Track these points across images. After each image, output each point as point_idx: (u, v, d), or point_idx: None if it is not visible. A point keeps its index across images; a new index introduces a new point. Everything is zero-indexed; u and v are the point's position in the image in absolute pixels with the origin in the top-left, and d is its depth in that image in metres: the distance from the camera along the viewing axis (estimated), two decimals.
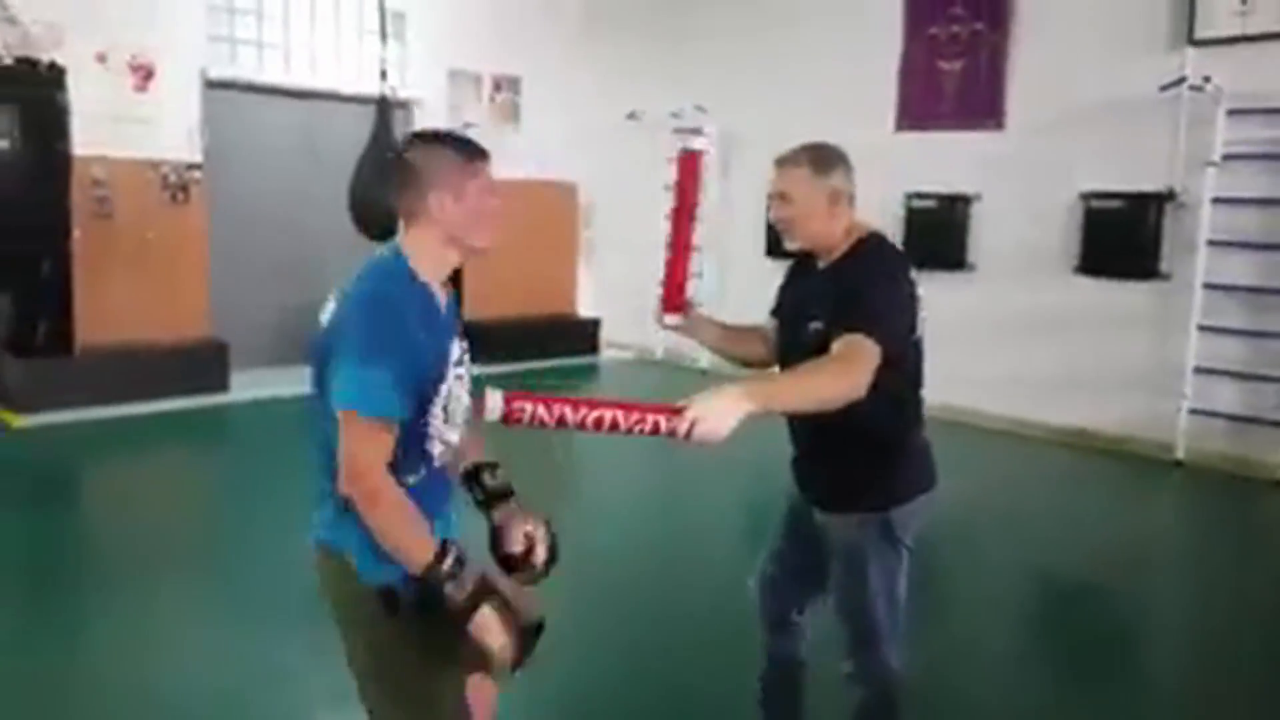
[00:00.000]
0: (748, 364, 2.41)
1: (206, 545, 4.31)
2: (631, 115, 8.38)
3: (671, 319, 2.28)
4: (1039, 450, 6.05)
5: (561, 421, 1.69)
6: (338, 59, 7.58)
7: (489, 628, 1.65)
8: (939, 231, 6.65)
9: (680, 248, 2.27)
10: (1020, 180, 6.35)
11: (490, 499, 1.92)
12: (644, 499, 5.23)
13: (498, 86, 8.42)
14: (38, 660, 3.07)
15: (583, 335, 8.65)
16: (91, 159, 5.89)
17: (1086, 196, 5.97)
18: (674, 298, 2.27)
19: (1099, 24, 5.96)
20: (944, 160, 6.66)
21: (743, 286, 8.03)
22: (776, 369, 2.28)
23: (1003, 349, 6.37)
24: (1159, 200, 5.72)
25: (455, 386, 1.82)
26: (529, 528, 1.89)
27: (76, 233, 5.76)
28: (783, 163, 2.17)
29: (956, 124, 6.61)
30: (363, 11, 7.54)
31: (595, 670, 3.10)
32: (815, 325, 2.06)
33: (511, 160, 8.33)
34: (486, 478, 1.92)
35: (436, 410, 1.77)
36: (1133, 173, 5.79)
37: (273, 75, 7.28)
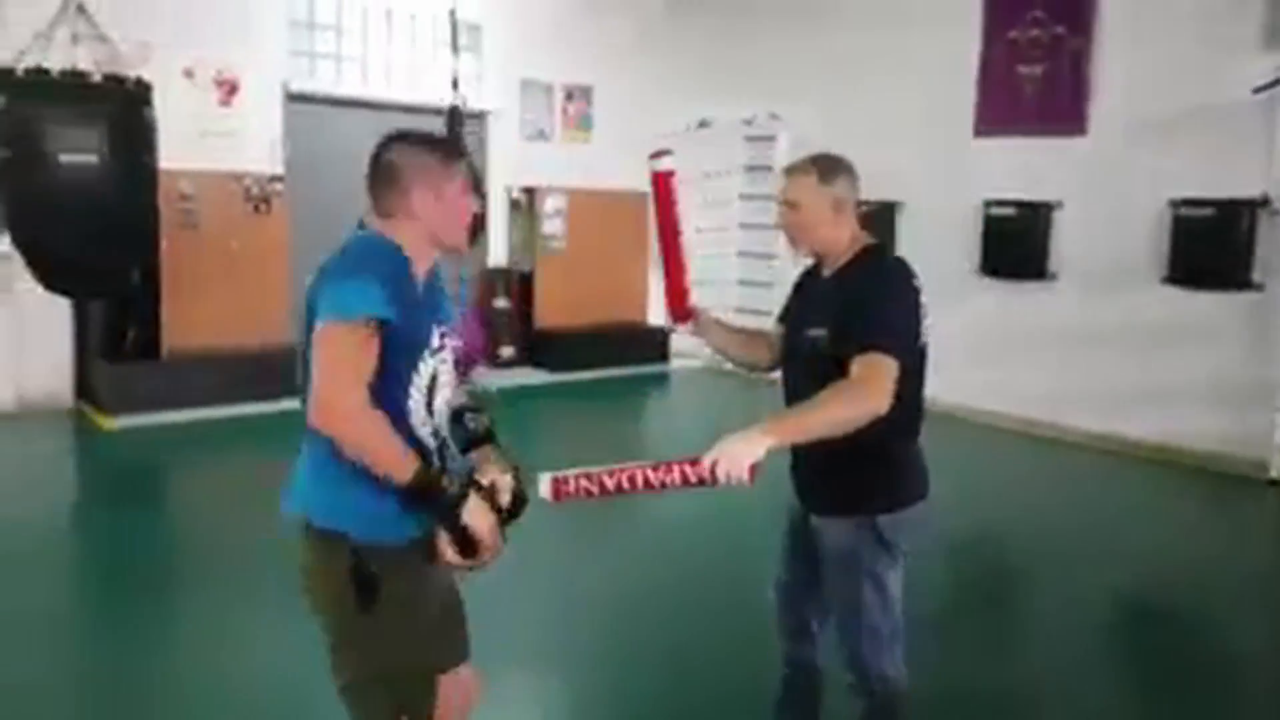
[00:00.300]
0: (753, 368, 2.51)
1: (285, 544, 4.40)
2: (703, 123, 8.36)
3: (681, 327, 2.42)
4: (1120, 466, 5.84)
5: (604, 489, 1.82)
6: (413, 71, 7.72)
7: (477, 511, 1.72)
8: (1019, 240, 6.49)
9: (672, 261, 2.38)
10: (1104, 187, 6.16)
11: (471, 442, 1.94)
12: (684, 507, 5.19)
13: (569, 96, 8.49)
14: (125, 653, 3.17)
15: (652, 344, 8.64)
16: (178, 172, 6.08)
17: (1175, 204, 5.75)
18: (678, 307, 2.40)
19: (1188, 25, 5.75)
20: (1024, 167, 6.49)
21: None
22: (780, 374, 2.37)
23: (1083, 361, 6.17)
24: (1252, 207, 5.48)
25: (440, 374, 1.83)
26: (496, 475, 1.86)
27: (164, 243, 5.95)
28: (791, 171, 2.26)
29: (1037, 129, 6.44)
30: (437, 25, 7.67)
31: (641, 674, 3.09)
32: (814, 332, 2.14)
33: (582, 169, 8.43)
34: (467, 420, 1.95)
35: (415, 393, 1.78)
36: (1224, 179, 5.56)
37: (350, 88, 7.45)
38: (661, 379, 8.32)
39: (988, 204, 6.62)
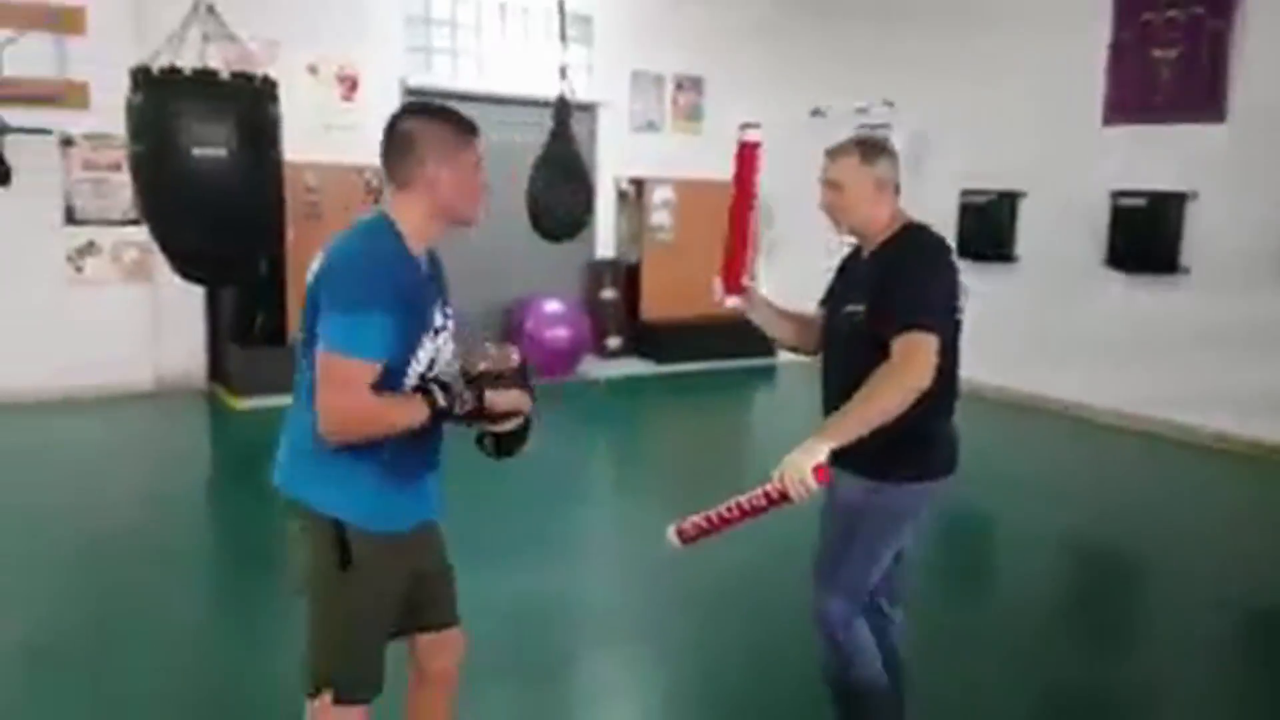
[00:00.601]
0: (797, 350, 2.54)
1: None
2: (815, 112, 8.24)
3: (731, 300, 2.45)
4: (1248, 468, 5.53)
5: (712, 524, 2.01)
6: (526, 64, 7.82)
7: (498, 402, 1.87)
8: (1148, 232, 6.19)
9: (739, 235, 2.42)
10: (1242, 177, 5.81)
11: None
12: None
13: (680, 86, 8.47)
14: (255, 613, 3.33)
15: (761, 337, 8.49)
16: (303, 165, 6.32)
17: None
18: (734, 281, 2.44)
19: None
20: (1156, 156, 6.18)
21: None
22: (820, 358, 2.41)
23: (1216, 359, 5.84)
24: None
25: (441, 355, 1.88)
26: (484, 357, 1.93)
27: (290, 233, 6.19)
28: (834, 153, 2.29)
29: (1171, 116, 6.12)
30: (550, 19, 7.74)
31: (728, 669, 3.09)
32: (851, 308, 2.20)
33: (691, 160, 8.39)
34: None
35: (411, 376, 1.82)
36: None
37: (465, 82, 7.59)
38: (768, 372, 8.23)
39: (1115, 194, 6.32)
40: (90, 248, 6.41)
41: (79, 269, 6.39)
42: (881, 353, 2.04)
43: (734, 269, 2.43)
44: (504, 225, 7.26)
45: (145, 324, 6.58)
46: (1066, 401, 6.65)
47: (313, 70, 6.76)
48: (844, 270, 2.40)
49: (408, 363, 1.80)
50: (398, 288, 1.75)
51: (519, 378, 1.93)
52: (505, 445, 1.98)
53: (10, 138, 5.94)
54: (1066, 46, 6.61)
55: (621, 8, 8.09)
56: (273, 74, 4.83)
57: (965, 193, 7.25)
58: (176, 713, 2.79)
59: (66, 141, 6.20)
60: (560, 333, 7.42)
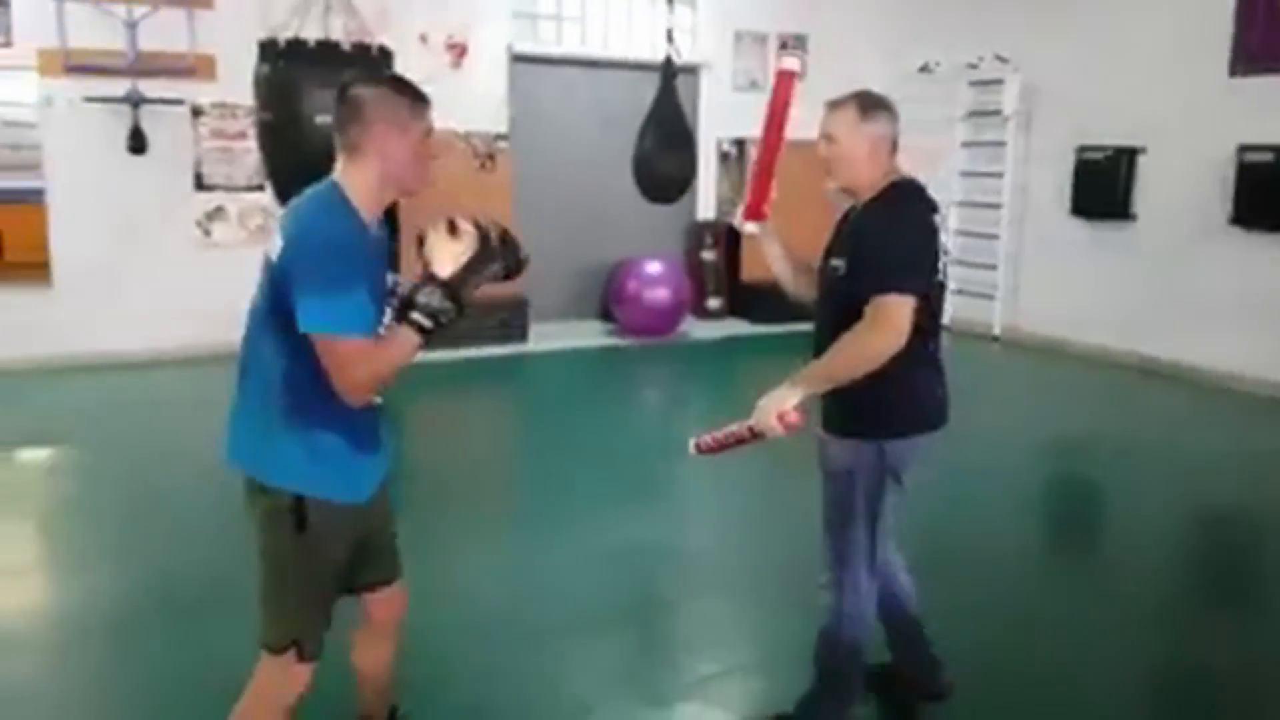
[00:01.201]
0: (796, 297, 2.56)
1: (507, 473, 4.88)
2: (924, 68, 8.05)
3: (751, 226, 2.51)
4: None
5: (719, 442, 2.23)
6: (630, 28, 7.86)
7: (474, 293, 1.88)
8: (1278, 189, 5.90)
9: (766, 164, 2.48)
10: None
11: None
12: None
13: (783, 45, 8.37)
14: None
15: None
16: None
17: None
18: (757, 207, 2.50)
19: None
20: None
21: (1043, 245, 7.55)
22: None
23: None
24: None
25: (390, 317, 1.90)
26: (434, 239, 1.90)
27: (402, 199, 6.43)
28: (833, 106, 2.31)
29: None
30: None
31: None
32: (835, 262, 2.25)
33: (795, 119, 8.26)
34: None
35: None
36: None
37: (570, 47, 7.68)
38: None
39: (1241, 149, 6.03)
40: (218, 213, 6.76)
41: (207, 233, 6.75)
42: (857, 312, 2.09)
43: (758, 196, 2.49)
44: (607, 186, 7.38)
45: None
46: (1186, 365, 6.43)
47: (423, 39, 6.93)
48: (841, 223, 2.40)
49: (378, 325, 1.87)
50: (365, 263, 1.82)
51: (483, 249, 1.90)
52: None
53: (145, 108, 6.29)
54: None
55: None
56: (386, 43, 5.00)
57: (1081, 149, 7.02)
58: None
59: (196, 111, 6.54)
60: (661, 293, 7.50)
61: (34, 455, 5.02)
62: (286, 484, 1.87)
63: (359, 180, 1.85)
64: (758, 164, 2.52)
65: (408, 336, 1.81)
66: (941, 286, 2.25)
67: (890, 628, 2.58)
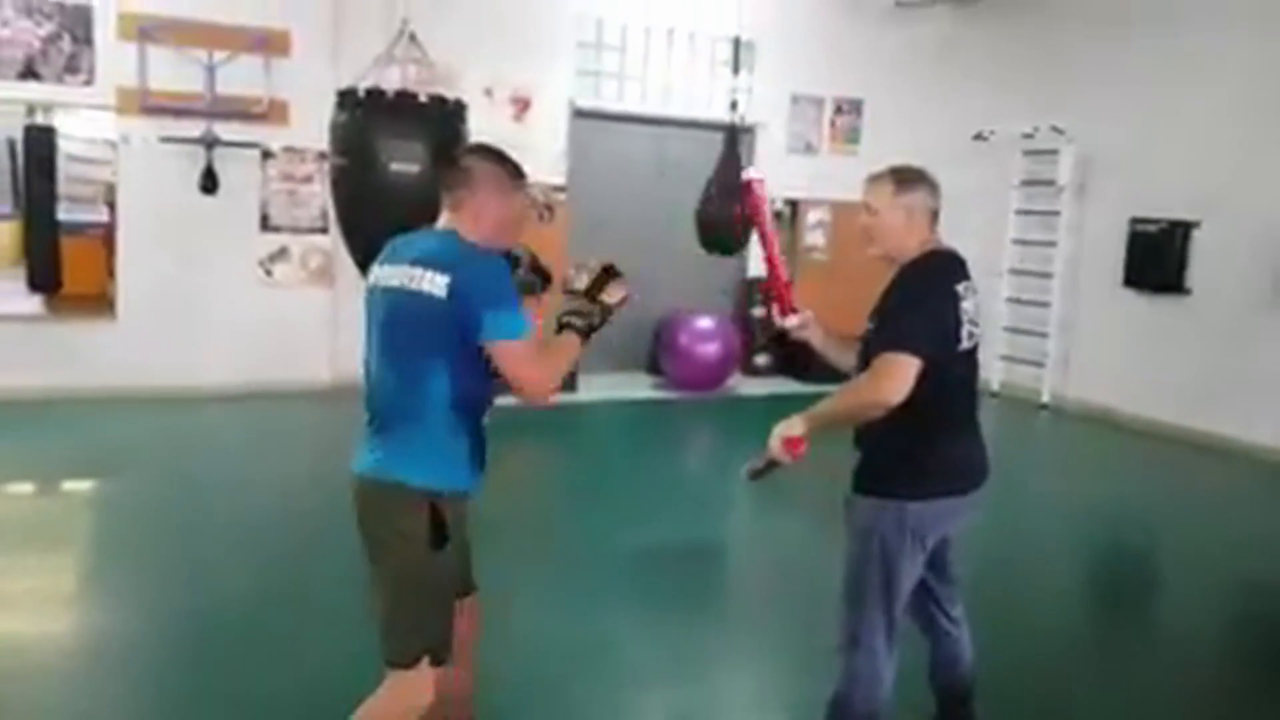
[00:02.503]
0: (845, 369, 2.59)
1: (549, 522, 4.87)
2: (979, 136, 8.12)
3: (791, 320, 2.67)
4: None
5: (756, 469, 2.32)
6: (689, 88, 8.01)
7: (612, 303, 2.33)
8: None
9: (771, 267, 2.69)
10: None
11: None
12: None
13: (839, 109, 8.50)
14: None
15: None
16: None
17: None
18: (785, 304, 2.68)
19: None
20: None
21: (1095, 315, 7.52)
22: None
23: None
24: None
25: None
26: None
27: None
28: (872, 179, 2.44)
29: None
30: (713, 45, 7.93)
31: None
32: (870, 324, 2.35)
33: (848, 182, 8.33)
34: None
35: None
36: None
37: (630, 104, 7.84)
38: None
39: None
40: (281, 253, 6.93)
41: (269, 272, 6.91)
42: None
43: (781, 297, 2.69)
44: (659, 240, 7.48)
45: (325, 325, 7.04)
46: (1237, 440, 6.34)
47: (488, 93, 7.12)
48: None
49: None
50: None
51: (611, 273, 2.36)
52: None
53: (218, 150, 6.50)
54: (1257, 64, 6.32)
55: (784, 33, 8.18)
56: (453, 95, 5.15)
57: (1135, 220, 7.02)
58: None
59: (266, 154, 6.74)
60: (710, 348, 7.54)
61: (86, 485, 5.11)
62: (426, 483, 2.09)
63: (462, 232, 2.15)
64: (767, 264, 2.72)
65: (569, 339, 2.22)
66: (972, 352, 2.33)
67: (940, 689, 2.56)
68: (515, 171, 2.20)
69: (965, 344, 2.29)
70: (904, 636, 2.39)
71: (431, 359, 2.08)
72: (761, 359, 8.23)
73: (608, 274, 2.32)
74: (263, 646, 3.20)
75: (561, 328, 2.24)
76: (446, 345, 2.06)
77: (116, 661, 3.15)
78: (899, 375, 2.13)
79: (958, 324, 2.27)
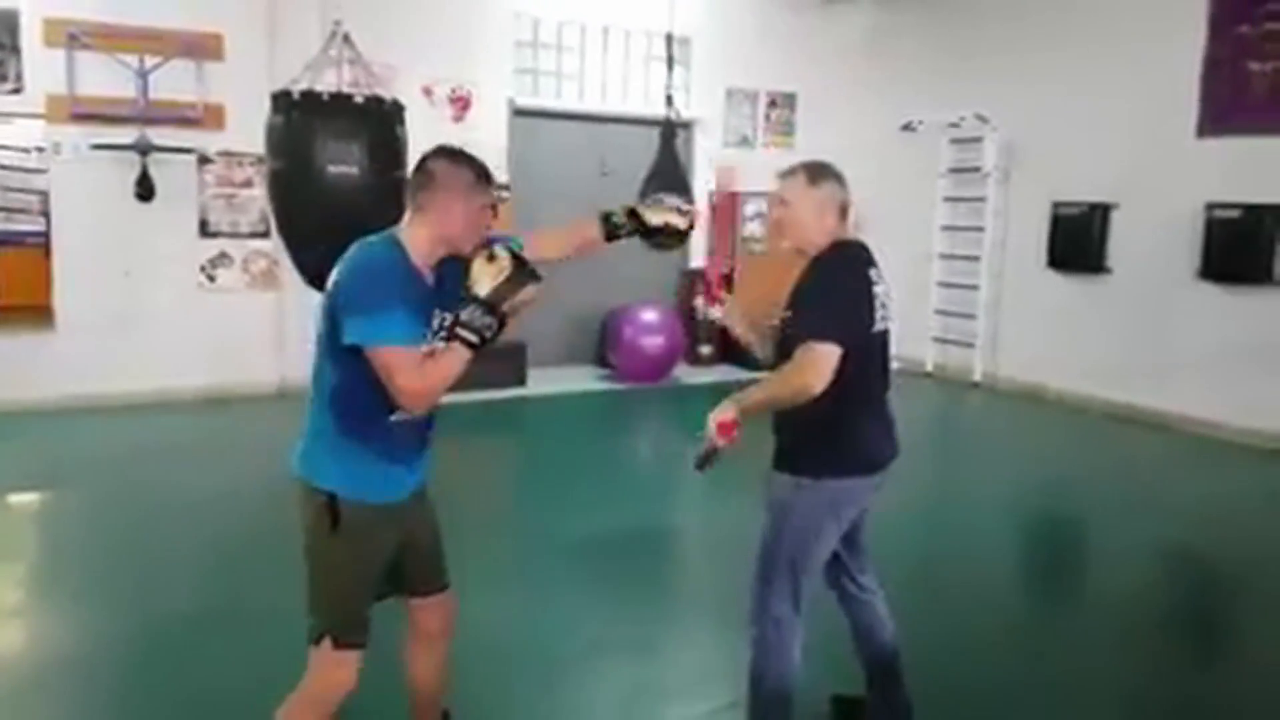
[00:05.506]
0: (765, 358, 2.66)
1: (504, 512, 4.97)
2: (907, 126, 8.36)
3: (714, 310, 2.80)
4: None
5: (701, 457, 2.34)
6: (626, 85, 8.13)
7: (516, 306, 2.11)
8: (1244, 244, 6.17)
9: (720, 255, 2.71)
10: None
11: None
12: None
13: (773, 103, 8.69)
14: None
15: None
16: None
17: None
18: (710, 295, 2.83)
19: None
20: (1252, 168, 6.17)
21: (1020, 298, 7.80)
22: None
23: None
24: None
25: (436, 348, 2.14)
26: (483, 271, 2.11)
27: None
28: (785, 174, 2.54)
29: (1268, 128, 6.11)
30: (649, 41, 8.06)
31: None
32: (786, 313, 2.44)
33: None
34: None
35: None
36: None
37: (568, 102, 7.94)
38: None
39: (1210, 207, 6.33)
40: (222, 258, 6.90)
41: (211, 278, 6.88)
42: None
43: (708, 288, 2.87)
44: None
45: (271, 330, 7.03)
46: (1160, 412, 6.65)
47: (427, 92, 7.17)
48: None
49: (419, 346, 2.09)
50: (402, 287, 2.05)
51: (523, 271, 2.10)
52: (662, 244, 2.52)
53: (153, 156, 6.45)
54: (1160, 60, 6.65)
55: (718, 29, 8.34)
56: (390, 96, 5.19)
57: (1057, 204, 7.30)
58: None
59: (203, 159, 6.71)
60: (657, 340, 7.68)
61: (30, 498, 5.05)
62: (325, 485, 2.11)
63: (420, 235, 2.12)
64: (708, 262, 2.85)
65: (456, 350, 2.07)
66: (883, 335, 2.44)
67: (866, 661, 2.68)
68: (480, 173, 2.16)
69: (879, 326, 2.41)
70: (829, 614, 2.48)
71: (324, 359, 2.09)
72: (705, 348, 8.39)
73: (518, 273, 2.09)
74: (210, 654, 3.20)
75: (450, 336, 2.09)
76: (332, 346, 2.05)
77: (62, 674, 3.14)
78: (822, 364, 2.23)
79: (870, 309, 2.38)
